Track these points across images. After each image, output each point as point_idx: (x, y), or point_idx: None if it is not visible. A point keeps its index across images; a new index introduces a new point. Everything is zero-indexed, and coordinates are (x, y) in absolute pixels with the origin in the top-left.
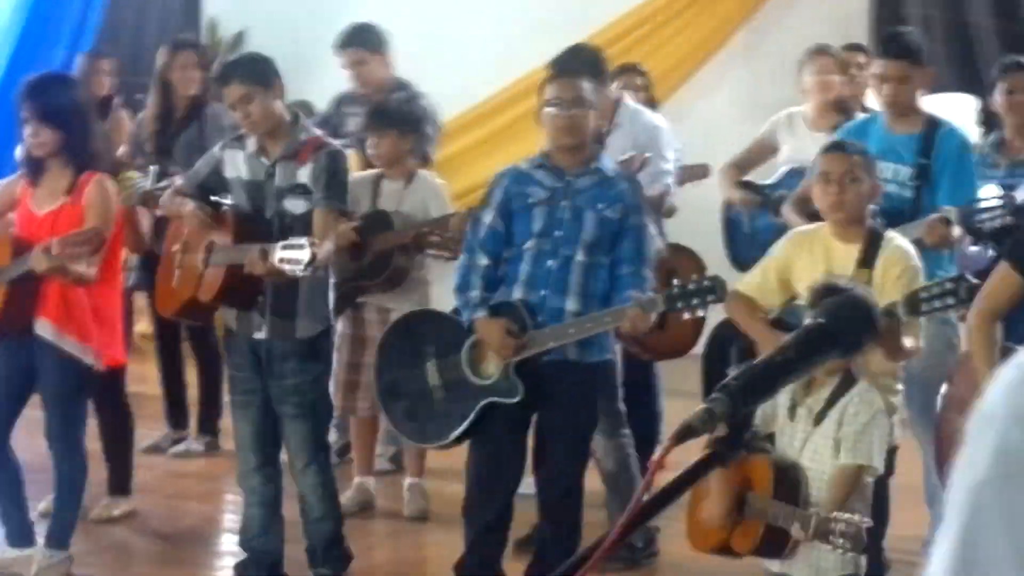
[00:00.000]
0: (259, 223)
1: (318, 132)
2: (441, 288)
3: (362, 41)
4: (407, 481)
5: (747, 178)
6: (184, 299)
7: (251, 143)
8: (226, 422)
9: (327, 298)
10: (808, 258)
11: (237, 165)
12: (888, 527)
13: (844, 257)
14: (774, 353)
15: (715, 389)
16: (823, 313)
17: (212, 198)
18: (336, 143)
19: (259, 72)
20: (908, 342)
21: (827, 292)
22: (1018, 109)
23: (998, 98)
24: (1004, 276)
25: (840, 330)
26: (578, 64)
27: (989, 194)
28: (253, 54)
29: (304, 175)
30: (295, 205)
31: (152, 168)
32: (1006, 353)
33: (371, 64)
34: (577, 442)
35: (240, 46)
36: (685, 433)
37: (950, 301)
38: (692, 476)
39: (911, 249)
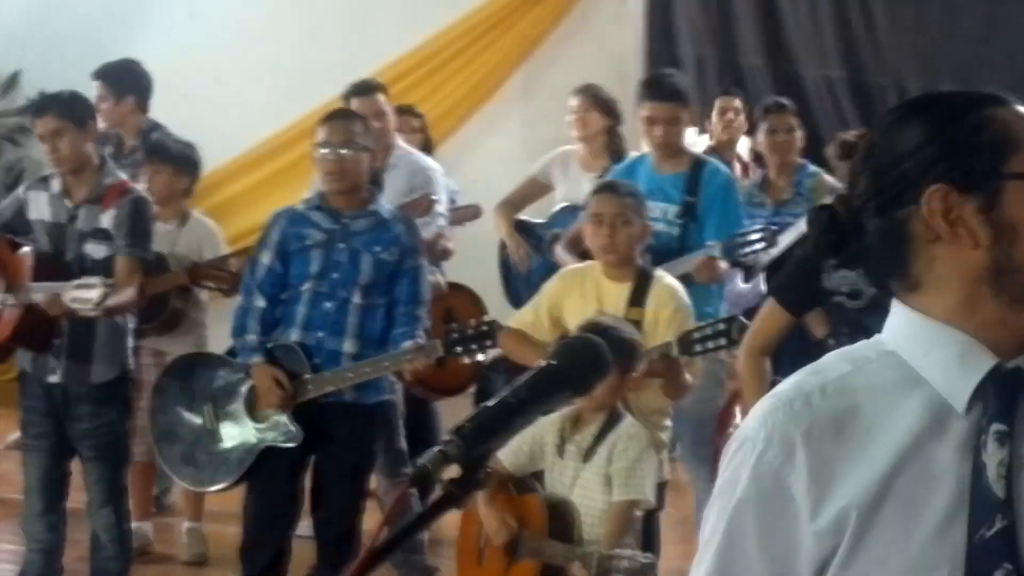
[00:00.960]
0: (59, 265)
1: (124, 177)
2: (218, 330)
3: (104, 78)
4: (185, 525)
5: (522, 215)
6: None
7: (55, 184)
8: (1, 467)
9: (125, 343)
10: (579, 296)
11: (40, 207)
12: (658, 560)
13: (615, 296)
14: (507, 395)
15: (449, 431)
16: (555, 354)
17: (13, 239)
18: (140, 190)
19: (75, 110)
20: (687, 379)
21: (595, 329)
22: (779, 148)
23: (760, 138)
24: (770, 312)
25: (571, 371)
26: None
27: (751, 229)
28: (74, 92)
29: (107, 220)
30: (96, 250)
31: None
32: (775, 387)
33: (112, 104)
34: (354, 483)
35: (15, 87)
36: (419, 476)
37: (722, 342)
38: (426, 517)
39: (680, 288)
